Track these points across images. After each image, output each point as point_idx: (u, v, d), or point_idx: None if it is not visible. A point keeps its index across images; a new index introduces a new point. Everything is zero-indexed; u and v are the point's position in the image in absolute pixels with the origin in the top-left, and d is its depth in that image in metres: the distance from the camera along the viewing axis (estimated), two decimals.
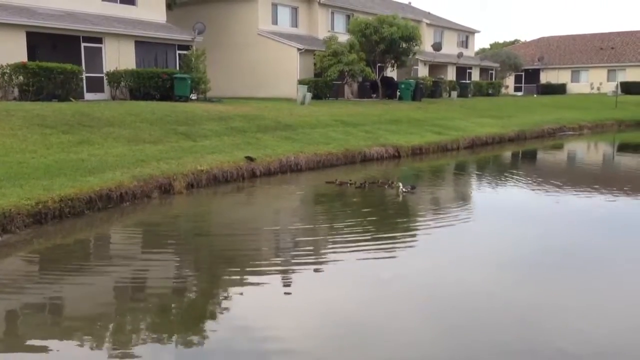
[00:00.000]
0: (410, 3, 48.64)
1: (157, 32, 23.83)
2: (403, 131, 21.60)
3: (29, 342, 5.48)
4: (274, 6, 31.71)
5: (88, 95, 21.56)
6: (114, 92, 22.02)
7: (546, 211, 11.55)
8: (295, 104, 24.48)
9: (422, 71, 40.05)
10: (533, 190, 14.20)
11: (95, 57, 22.02)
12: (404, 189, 12.72)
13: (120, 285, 7.19)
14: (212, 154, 14.42)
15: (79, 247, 9.00)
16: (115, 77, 21.73)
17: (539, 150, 23.78)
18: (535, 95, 48.71)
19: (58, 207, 9.57)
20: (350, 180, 13.75)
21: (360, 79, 31.65)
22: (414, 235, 9.72)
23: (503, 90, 49.10)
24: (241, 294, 6.86)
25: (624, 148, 25.95)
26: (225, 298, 6.76)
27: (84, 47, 21.70)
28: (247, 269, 7.66)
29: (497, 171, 18.14)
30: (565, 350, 5.31)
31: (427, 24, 42.57)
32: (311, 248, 8.70)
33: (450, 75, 43.21)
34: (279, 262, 8.01)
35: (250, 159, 14.26)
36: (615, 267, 7.75)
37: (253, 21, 30.84)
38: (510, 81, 54.91)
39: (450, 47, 45.00)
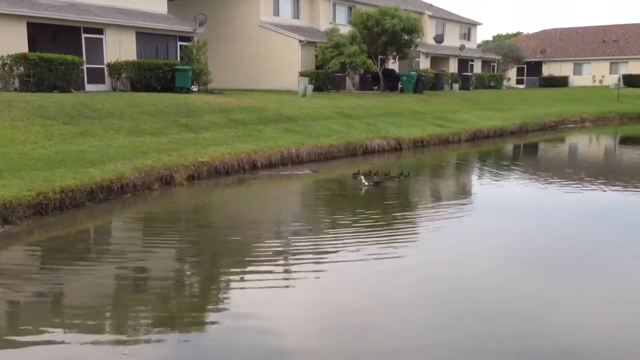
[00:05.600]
0: None
1: (158, 23, 23.74)
2: (404, 124, 21.55)
3: (30, 331, 5.49)
4: None
5: (89, 87, 21.52)
6: (114, 83, 21.97)
7: (548, 205, 11.53)
8: (297, 96, 24.42)
9: (424, 63, 39.91)
10: (534, 183, 14.17)
11: (96, 48, 21.95)
12: (365, 183, 12.69)
13: (121, 276, 7.20)
14: (213, 146, 14.40)
15: (80, 238, 9.01)
16: (116, 69, 21.67)
17: (541, 143, 23.73)
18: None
19: (59, 198, 9.58)
20: (373, 172, 13.60)
21: (361, 71, 31.55)
22: (415, 228, 9.72)
23: (505, 83, 48.93)
24: (241, 285, 6.86)
25: (625, 141, 25.89)
26: (226, 290, 6.76)
27: (85, 38, 21.63)
28: (248, 261, 7.67)
29: (498, 164, 18.10)
30: (567, 345, 5.31)
31: (429, 16, 42.38)
32: (311, 241, 8.69)
33: (452, 67, 43.08)
34: (280, 254, 8.00)
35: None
36: (619, 262, 7.73)
37: (254, 13, 30.72)
38: (512, 74, 54.72)
39: (452, 40, 44.84)
